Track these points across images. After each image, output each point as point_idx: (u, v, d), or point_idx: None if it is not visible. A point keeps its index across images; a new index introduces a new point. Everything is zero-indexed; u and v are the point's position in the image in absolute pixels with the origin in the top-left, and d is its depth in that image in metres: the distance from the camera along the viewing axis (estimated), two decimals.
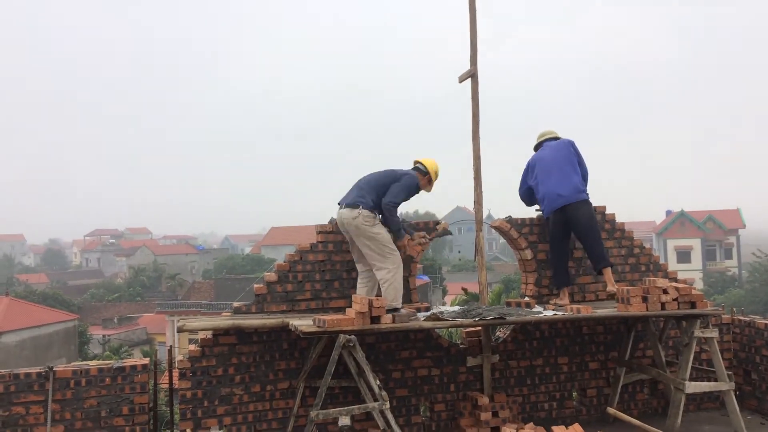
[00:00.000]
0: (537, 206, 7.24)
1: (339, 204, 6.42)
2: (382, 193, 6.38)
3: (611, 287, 6.73)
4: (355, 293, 6.37)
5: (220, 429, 6.40)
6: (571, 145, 7.06)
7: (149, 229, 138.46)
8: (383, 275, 6.29)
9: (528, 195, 7.29)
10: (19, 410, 5.82)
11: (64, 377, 5.96)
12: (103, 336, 42.40)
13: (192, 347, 6.37)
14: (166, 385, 6.82)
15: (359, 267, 6.49)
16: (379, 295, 6.36)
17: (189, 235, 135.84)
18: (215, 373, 6.29)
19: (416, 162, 6.79)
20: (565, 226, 6.80)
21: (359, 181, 6.56)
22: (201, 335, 6.41)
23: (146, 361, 6.36)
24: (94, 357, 33.07)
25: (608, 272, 6.81)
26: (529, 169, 7.17)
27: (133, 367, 6.16)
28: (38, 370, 5.93)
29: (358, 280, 6.50)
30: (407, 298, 6.79)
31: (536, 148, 7.36)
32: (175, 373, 6.55)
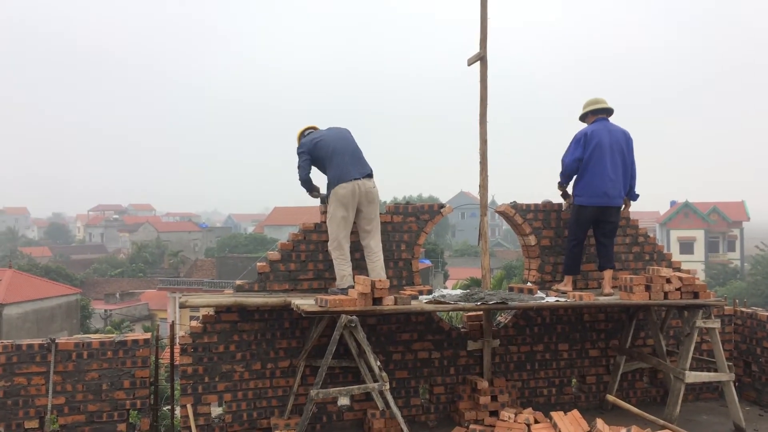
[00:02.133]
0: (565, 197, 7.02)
1: (354, 177, 6.31)
2: None
3: (608, 289, 6.69)
4: (357, 274, 6.36)
5: (219, 405, 6.44)
6: (629, 140, 6.71)
7: (153, 205, 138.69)
8: (379, 246, 6.41)
9: (575, 170, 6.71)
10: (21, 381, 5.85)
11: (66, 349, 5.98)
12: (105, 311, 42.58)
13: (194, 323, 6.38)
14: (167, 361, 6.85)
15: (347, 247, 6.40)
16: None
17: (192, 213, 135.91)
18: (216, 350, 6.32)
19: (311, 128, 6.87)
20: (595, 221, 6.71)
21: (350, 151, 6.45)
22: (203, 312, 6.42)
23: (148, 335, 6.38)
24: (96, 331, 33.26)
25: (609, 274, 6.78)
26: (582, 143, 6.63)
27: (135, 342, 6.19)
28: (40, 342, 5.96)
29: (349, 260, 6.39)
30: (410, 281, 6.80)
31: (585, 118, 6.88)
32: (177, 349, 6.57)
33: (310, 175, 6.67)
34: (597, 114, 6.82)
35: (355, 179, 6.32)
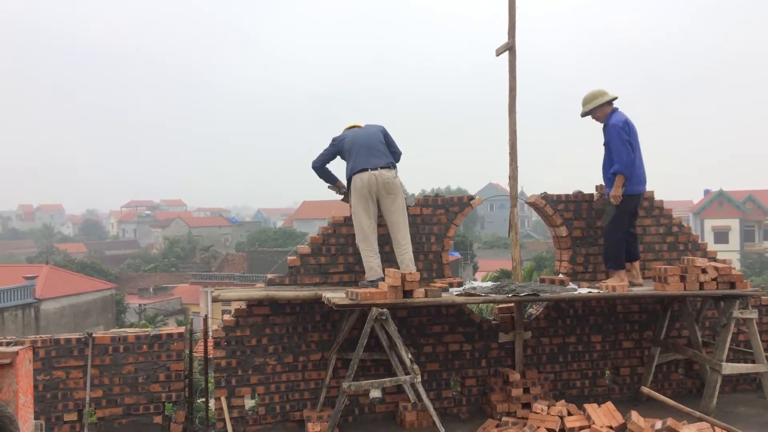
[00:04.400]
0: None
1: (367, 168, 6.30)
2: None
3: (640, 279, 6.62)
4: (388, 267, 6.36)
5: (252, 398, 6.51)
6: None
7: (184, 201, 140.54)
8: (406, 238, 6.39)
9: (633, 158, 6.32)
10: (59, 374, 5.99)
11: (103, 343, 6.10)
12: (140, 305, 43.31)
13: (226, 317, 6.45)
14: (201, 354, 6.95)
15: (374, 239, 6.40)
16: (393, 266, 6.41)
17: (222, 208, 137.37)
18: (249, 343, 6.38)
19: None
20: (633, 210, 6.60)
21: (366, 143, 6.46)
22: (235, 306, 6.49)
23: (182, 329, 6.48)
24: (131, 325, 33.86)
25: (638, 264, 6.73)
26: (627, 130, 6.34)
27: (170, 335, 6.28)
28: (78, 337, 6.08)
29: (376, 252, 6.40)
30: (440, 273, 6.78)
31: (596, 111, 6.55)
32: (210, 343, 6.66)
33: (328, 167, 6.75)
34: (611, 104, 6.57)
35: (371, 169, 6.31)
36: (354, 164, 6.40)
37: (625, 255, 6.56)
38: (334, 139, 6.72)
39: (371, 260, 6.33)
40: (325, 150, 6.71)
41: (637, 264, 6.71)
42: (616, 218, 6.47)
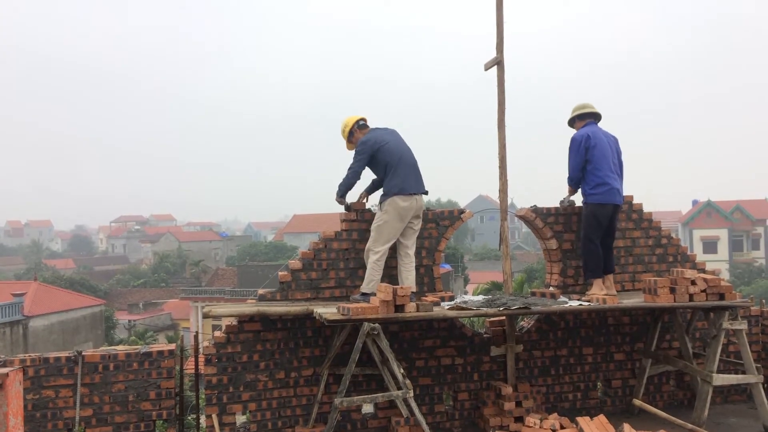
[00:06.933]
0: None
1: (415, 193, 6.38)
2: None
3: (613, 291, 6.69)
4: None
5: (244, 414, 6.47)
6: (618, 143, 6.84)
7: (173, 215, 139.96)
8: (414, 258, 6.50)
9: (581, 176, 6.68)
10: (48, 393, 5.93)
11: (93, 362, 6.05)
12: (129, 321, 42.94)
13: (217, 333, 6.42)
14: (192, 371, 6.90)
15: (386, 255, 6.41)
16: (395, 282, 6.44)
17: (212, 222, 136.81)
18: (240, 360, 6.35)
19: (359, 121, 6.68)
20: (608, 222, 6.66)
21: (413, 163, 6.52)
22: (226, 321, 6.46)
23: (173, 346, 6.44)
24: (120, 341, 33.60)
25: (611, 277, 6.80)
26: (584, 146, 6.58)
27: (160, 353, 6.24)
28: (67, 355, 6.03)
29: (382, 268, 6.40)
30: (431, 287, 6.79)
31: (574, 122, 6.88)
32: (201, 359, 6.62)
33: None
34: (584, 118, 6.82)
35: (415, 194, 6.40)
36: (404, 184, 6.35)
37: (602, 264, 6.69)
38: (364, 148, 6.39)
39: (376, 275, 6.35)
40: (359, 166, 6.41)
41: (611, 277, 6.78)
42: (585, 228, 6.65)
